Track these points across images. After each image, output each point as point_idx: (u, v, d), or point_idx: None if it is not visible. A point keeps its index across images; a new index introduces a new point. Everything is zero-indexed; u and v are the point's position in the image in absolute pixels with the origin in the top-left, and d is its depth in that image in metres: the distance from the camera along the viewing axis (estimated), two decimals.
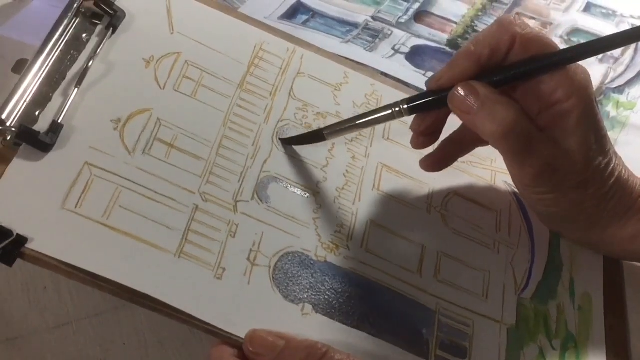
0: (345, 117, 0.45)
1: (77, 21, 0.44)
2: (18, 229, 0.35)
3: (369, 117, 0.42)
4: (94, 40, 0.44)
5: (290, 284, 0.40)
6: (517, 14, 0.67)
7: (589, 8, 0.68)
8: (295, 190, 0.43)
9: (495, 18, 0.66)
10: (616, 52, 0.64)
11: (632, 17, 0.68)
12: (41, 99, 0.40)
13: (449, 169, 0.46)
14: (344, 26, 0.63)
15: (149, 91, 0.43)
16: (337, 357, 0.35)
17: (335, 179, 0.45)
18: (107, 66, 0.43)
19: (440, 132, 0.44)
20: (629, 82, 0.62)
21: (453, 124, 0.44)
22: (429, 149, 0.45)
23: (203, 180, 0.41)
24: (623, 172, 0.42)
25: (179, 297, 0.37)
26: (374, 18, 0.64)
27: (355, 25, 0.63)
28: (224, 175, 0.42)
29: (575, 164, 0.40)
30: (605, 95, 0.61)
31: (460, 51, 0.40)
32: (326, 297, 0.40)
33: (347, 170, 0.45)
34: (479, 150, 0.47)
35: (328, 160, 0.45)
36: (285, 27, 0.60)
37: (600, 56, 0.63)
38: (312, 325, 0.39)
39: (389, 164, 0.47)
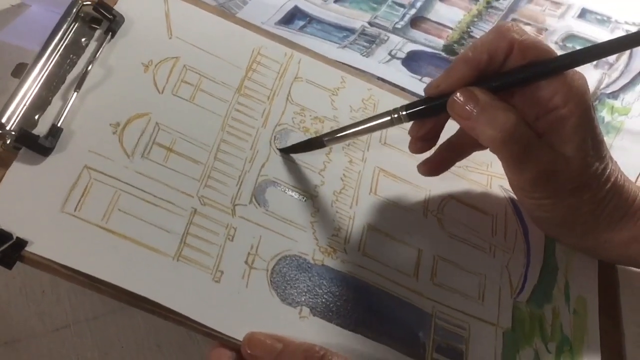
0: (343, 122, 0.45)
1: (76, 25, 0.44)
2: (18, 232, 0.36)
3: (368, 123, 0.43)
4: (93, 44, 0.44)
5: (288, 287, 0.40)
6: (513, 19, 0.67)
7: (584, 14, 0.69)
8: (293, 194, 0.44)
9: (491, 24, 0.66)
10: (611, 58, 0.64)
11: (626, 23, 0.68)
12: (41, 103, 0.40)
13: (445, 173, 0.46)
14: (340, 32, 0.63)
15: (147, 95, 0.43)
16: None
17: (332, 183, 0.45)
18: (106, 70, 0.43)
19: (438, 137, 0.44)
20: (624, 88, 0.62)
21: (451, 128, 0.44)
22: (426, 154, 0.45)
23: (201, 184, 0.42)
24: (619, 177, 0.43)
25: (177, 300, 0.37)
26: (370, 24, 0.64)
27: (352, 31, 0.63)
28: (222, 179, 0.42)
29: (573, 169, 0.40)
30: (600, 101, 0.61)
31: (458, 57, 0.40)
32: (323, 300, 0.40)
33: (344, 175, 0.46)
34: (475, 155, 0.47)
35: (325, 165, 0.46)
36: (283, 32, 0.60)
37: (595, 62, 0.63)
38: (309, 328, 0.39)
39: (386, 168, 0.47)
